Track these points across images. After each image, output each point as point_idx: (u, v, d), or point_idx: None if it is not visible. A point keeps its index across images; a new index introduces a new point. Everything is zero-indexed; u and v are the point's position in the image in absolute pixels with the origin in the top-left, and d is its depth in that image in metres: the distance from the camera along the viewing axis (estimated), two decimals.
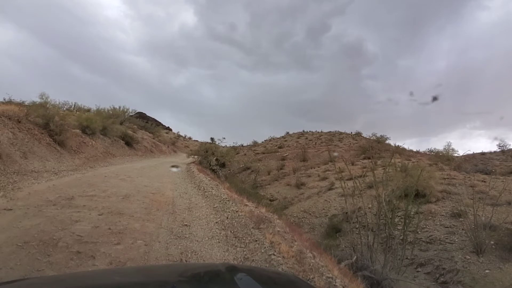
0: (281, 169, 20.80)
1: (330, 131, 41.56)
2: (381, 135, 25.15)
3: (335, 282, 3.14)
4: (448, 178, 11.01)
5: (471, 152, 21.29)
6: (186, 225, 4.41)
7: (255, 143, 39.12)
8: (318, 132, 42.64)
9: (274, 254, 3.42)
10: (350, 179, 7.28)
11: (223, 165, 15.32)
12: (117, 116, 18.50)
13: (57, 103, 14.69)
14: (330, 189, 12.68)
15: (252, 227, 4.30)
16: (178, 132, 51.29)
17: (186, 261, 3.23)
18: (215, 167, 14.29)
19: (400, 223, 6.69)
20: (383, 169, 7.93)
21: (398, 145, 22.05)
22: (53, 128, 9.11)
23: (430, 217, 7.94)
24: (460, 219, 7.37)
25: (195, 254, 3.44)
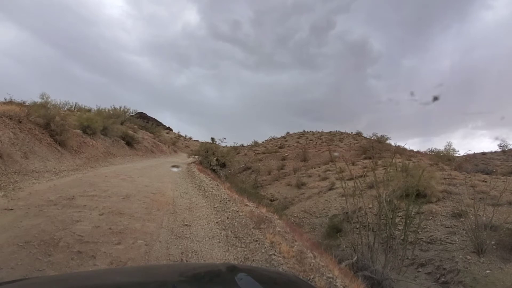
0: (281, 169, 20.81)
1: (330, 131, 41.56)
2: (381, 135, 25.12)
3: (336, 282, 3.13)
4: (448, 178, 10.99)
5: (472, 152, 21.29)
6: (186, 225, 4.42)
7: (255, 143, 39.08)
8: (318, 132, 42.63)
9: (274, 254, 3.42)
10: (351, 179, 7.26)
11: (223, 165, 15.29)
12: (117, 116, 18.51)
13: (58, 103, 14.67)
14: (330, 189, 12.68)
15: (253, 227, 4.29)
16: (179, 132, 51.31)
17: (186, 261, 3.23)
18: (215, 167, 14.27)
19: (400, 223, 6.67)
20: (384, 169, 7.92)
21: (398, 145, 22.09)
22: (54, 128, 9.12)
23: (430, 217, 7.92)
24: (461, 219, 7.35)
25: (195, 254, 3.45)
